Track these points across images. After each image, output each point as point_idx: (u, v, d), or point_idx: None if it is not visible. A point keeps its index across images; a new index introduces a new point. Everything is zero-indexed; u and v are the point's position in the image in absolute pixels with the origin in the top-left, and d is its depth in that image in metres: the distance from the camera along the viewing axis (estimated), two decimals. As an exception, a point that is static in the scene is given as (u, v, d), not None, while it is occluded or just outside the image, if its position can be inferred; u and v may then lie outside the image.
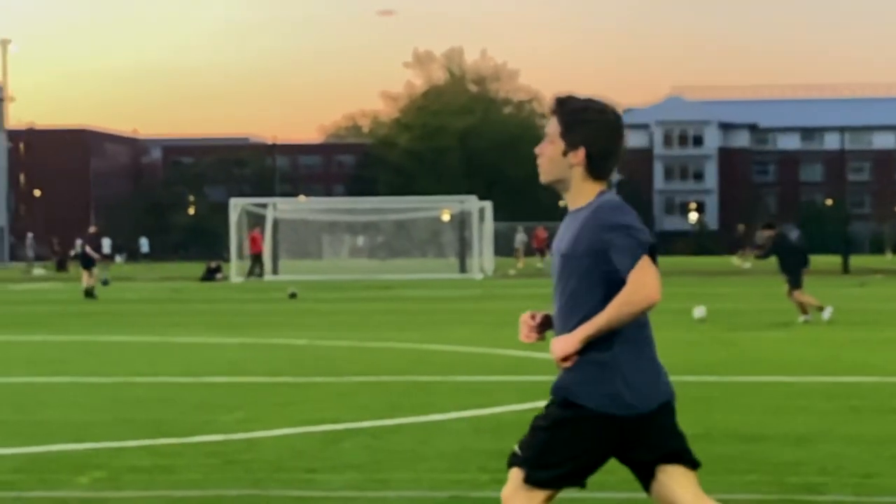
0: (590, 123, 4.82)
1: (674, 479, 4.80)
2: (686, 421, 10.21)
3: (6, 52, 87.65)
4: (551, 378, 4.92)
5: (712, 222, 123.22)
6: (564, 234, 4.89)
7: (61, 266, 68.96)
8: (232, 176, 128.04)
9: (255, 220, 56.87)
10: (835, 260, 56.37)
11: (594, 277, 4.73)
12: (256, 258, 54.12)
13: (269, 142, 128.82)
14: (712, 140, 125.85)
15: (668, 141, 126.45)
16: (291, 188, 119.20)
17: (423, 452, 9.53)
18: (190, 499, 8.01)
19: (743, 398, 12.62)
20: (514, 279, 50.67)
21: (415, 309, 30.14)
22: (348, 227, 66.63)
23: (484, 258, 58.36)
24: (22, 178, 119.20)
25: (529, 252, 71.62)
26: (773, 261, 24.25)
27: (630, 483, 4.89)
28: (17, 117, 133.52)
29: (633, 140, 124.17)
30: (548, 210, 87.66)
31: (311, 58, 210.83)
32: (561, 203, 4.99)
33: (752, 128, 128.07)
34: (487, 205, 60.04)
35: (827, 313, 23.28)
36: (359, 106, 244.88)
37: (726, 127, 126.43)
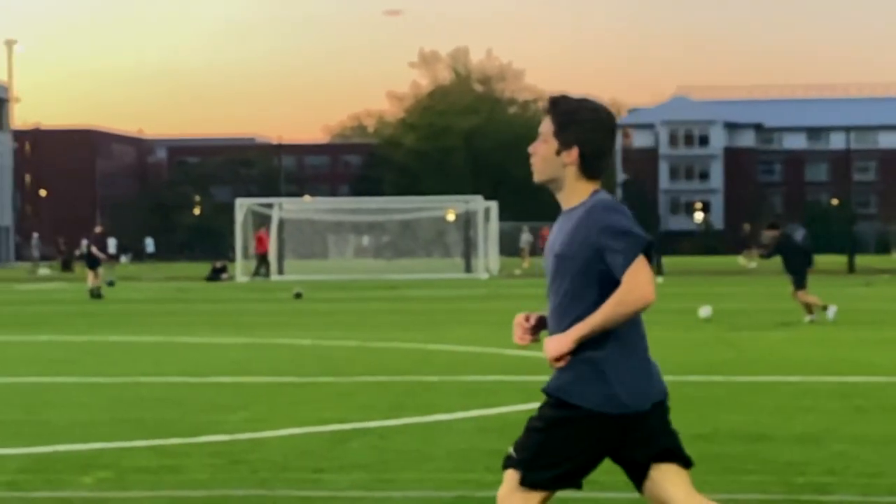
0: (583, 123, 4.82)
1: (667, 477, 4.80)
2: (692, 421, 10.27)
3: (12, 52, 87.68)
4: (554, 379, 4.91)
5: (718, 222, 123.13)
6: (558, 233, 4.90)
7: (67, 266, 68.97)
8: (237, 176, 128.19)
9: (261, 220, 56.86)
10: (840, 260, 56.32)
11: (588, 277, 4.73)
12: (262, 258, 54.11)
13: (275, 142, 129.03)
14: (718, 140, 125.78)
15: (673, 141, 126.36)
16: (297, 188, 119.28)
17: (429, 452, 9.52)
18: (195, 499, 8.00)
19: (749, 398, 12.60)
20: (520, 279, 50.62)
21: (420, 309, 30.13)
22: (354, 227, 66.63)
23: (489, 258, 58.32)
24: (28, 178, 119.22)
25: (535, 252, 71.55)
26: (778, 261, 24.23)
27: (630, 483, 4.88)
28: (23, 118, 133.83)
29: (638, 140, 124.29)
30: (553, 210, 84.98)
31: (316, 58, 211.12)
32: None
33: (758, 127, 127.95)
34: (493, 205, 59.99)
35: (831, 312, 23.25)
36: (364, 106, 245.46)
37: (732, 127, 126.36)
